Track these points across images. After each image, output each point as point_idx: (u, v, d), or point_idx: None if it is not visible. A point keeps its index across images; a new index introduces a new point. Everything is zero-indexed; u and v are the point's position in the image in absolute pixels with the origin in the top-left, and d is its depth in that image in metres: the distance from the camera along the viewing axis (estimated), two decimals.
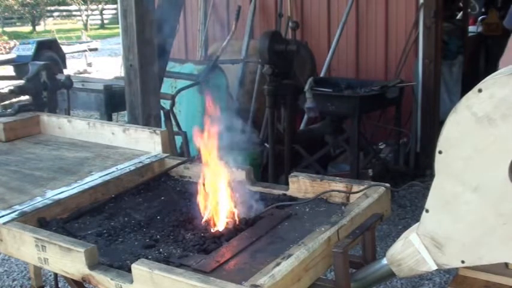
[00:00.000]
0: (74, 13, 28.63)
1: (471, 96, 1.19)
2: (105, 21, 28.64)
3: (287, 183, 1.96)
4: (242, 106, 5.51)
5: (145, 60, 3.11)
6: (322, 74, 5.62)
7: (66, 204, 1.88)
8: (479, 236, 1.25)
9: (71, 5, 27.74)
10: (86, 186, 1.98)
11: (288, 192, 1.94)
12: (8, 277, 3.88)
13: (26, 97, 3.10)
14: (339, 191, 1.84)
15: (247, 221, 1.72)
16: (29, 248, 1.63)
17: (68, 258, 1.53)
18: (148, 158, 2.23)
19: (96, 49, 17.39)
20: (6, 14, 26.89)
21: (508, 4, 2.83)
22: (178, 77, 5.05)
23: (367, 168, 4.92)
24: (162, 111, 3.93)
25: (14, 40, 15.48)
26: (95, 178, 2.05)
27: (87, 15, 27.41)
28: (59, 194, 1.92)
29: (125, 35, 3.14)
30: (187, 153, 4.30)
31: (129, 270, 1.42)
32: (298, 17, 6.01)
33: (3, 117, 2.68)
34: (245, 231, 1.67)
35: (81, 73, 12.82)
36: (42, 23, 27.00)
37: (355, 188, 1.82)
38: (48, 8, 27.95)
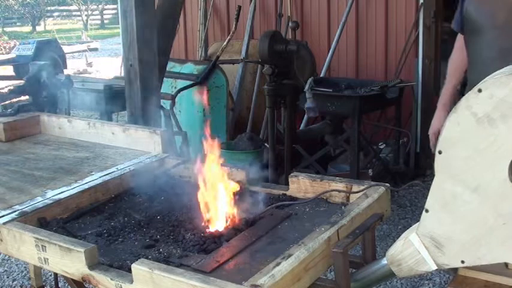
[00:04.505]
0: (74, 13, 28.62)
1: (471, 96, 1.19)
2: (105, 21, 28.64)
3: (287, 183, 1.96)
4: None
5: (145, 60, 3.11)
6: (322, 74, 5.61)
7: (66, 204, 1.88)
8: (479, 236, 1.25)
9: (71, 5, 27.74)
10: (86, 186, 1.98)
11: (288, 192, 1.94)
12: (8, 277, 3.88)
13: (26, 97, 3.10)
14: (339, 191, 1.84)
15: (247, 221, 1.72)
16: (29, 248, 1.63)
17: (68, 258, 1.53)
18: (148, 158, 2.24)
19: (96, 49, 17.42)
20: (6, 14, 26.89)
21: None
22: (178, 77, 5.05)
23: (367, 168, 4.92)
24: (162, 111, 3.93)
25: (14, 40, 15.49)
26: (95, 178, 2.05)
27: (87, 15, 27.41)
28: (59, 194, 1.92)
29: (124, 35, 3.14)
30: (187, 153, 4.30)
31: (129, 270, 1.42)
32: (298, 17, 6.01)
33: (3, 117, 2.68)
34: (245, 231, 1.67)
35: (81, 73, 12.82)
36: (42, 23, 27.00)
37: (355, 188, 1.82)
38: (48, 8, 27.95)
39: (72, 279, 2.09)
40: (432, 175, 1.29)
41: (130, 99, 3.15)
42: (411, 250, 1.38)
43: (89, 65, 14.31)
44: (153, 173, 2.14)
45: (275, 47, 4.00)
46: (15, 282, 3.81)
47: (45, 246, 1.58)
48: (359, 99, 4.53)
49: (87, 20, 26.91)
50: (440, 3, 5.23)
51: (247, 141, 4.64)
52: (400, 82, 4.88)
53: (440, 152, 1.26)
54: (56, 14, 28.70)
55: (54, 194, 1.92)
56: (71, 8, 28.21)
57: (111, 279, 1.45)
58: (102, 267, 1.50)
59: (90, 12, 27.83)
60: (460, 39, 2.85)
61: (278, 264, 1.35)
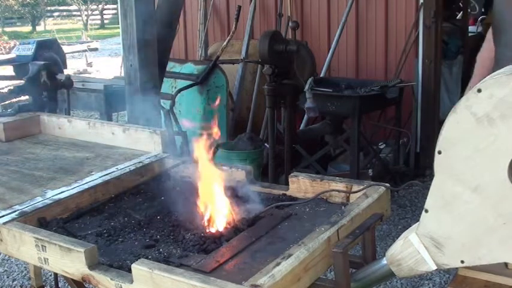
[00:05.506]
0: (74, 13, 28.63)
1: (471, 96, 1.19)
2: (105, 21, 28.65)
3: (287, 183, 1.96)
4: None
5: (145, 60, 3.11)
6: (322, 74, 5.62)
7: (66, 204, 1.88)
8: (478, 236, 1.25)
9: (71, 5, 27.74)
10: (86, 186, 1.98)
11: (288, 192, 1.94)
12: (8, 277, 3.88)
13: (26, 97, 3.10)
14: (339, 191, 1.84)
15: (247, 221, 1.72)
16: (29, 248, 1.63)
17: (68, 258, 1.53)
18: (148, 158, 2.24)
19: (96, 49, 17.43)
20: (6, 14, 26.89)
21: None
22: (178, 77, 5.05)
23: (367, 168, 4.92)
24: (162, 111, 3.93)
25: (14, 40, 15.49)
26: (95, 178, 2.05)
27: (87, 15, 27.41)
28: (59, 194, 1.92)
29: (125, 35, 3.14)
30: (187, 153, 4.30)
31: (129, 270, 1.42)
32: (298, 17, 6.01)
33: (3, 117, 2.68)
34: (245, 231, 1.67)
35: (81, 73, 12.82)
36: (42, 23, 27.00)
37: (355, 188, 1.82)
38: (48, 8, 27.95)
39: (72, 279, 2.09)
40: (432, 175, 1.29)
41: (130, 99, 3.16)
42: (411, 250, 1.38)
43: (89, 65, 14.31)
44: (153, 172, 2.15)
45: (275, 47, 4.00)
46: (15, 282, 3.81)
47: (45, 246, 1.58)
48: (359, 99, 4.53)
49: (87, 20, 26.91)
50: (440, 3, 5.23)
51: (247, 141, 4.64)
52: (400, 82, 4.88)
53: (440, 152, 1.25)
54: (56, 14, 28.70)
55: (54, 194, 1.92)
56: (71, 8, 28.21)
57: (111, 279, 1.45)
58: (102, 267, 1.50)
59: (90, 12, 27.83)
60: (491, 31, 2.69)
61: (278, 264, 1.35)
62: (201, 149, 1.82)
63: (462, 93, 2.90)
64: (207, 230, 1.69)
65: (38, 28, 26.49)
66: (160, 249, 1.61)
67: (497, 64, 2.63)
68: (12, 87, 3.10)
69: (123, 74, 3.57)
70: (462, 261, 1.30)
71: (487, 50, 2.73)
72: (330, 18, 5.89)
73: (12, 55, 11.81)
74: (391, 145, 5.34)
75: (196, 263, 1.49)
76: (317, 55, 5.40)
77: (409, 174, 5.13)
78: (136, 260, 1.44)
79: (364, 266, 1.56)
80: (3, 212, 1.77)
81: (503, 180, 1.19)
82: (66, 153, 2.40)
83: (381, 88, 4.70)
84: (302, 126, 5.44)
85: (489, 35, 2.72)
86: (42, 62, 3.15)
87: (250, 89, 5.66)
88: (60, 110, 3.21)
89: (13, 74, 10.55)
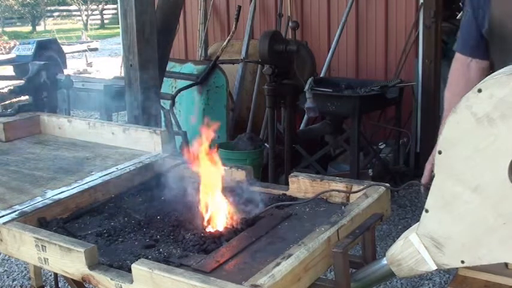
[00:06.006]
0: (74, 13, 28.64)
1: (471, 96, 1.19)
2: (105, 21, 28.65)
3: (287, 183, 1.96)
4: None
5: (145, 60, 3.11)
6: (322, 74, 5.62)
7: (66, 204, 1.88)
8: (479, 236, 1.25)
9: (71, 5, 27.75)
10: (86, 186, 1.98)
11: (288, 192, 1.94)
12: (8, 277, 3.88)
13: (26, 97, 3.11)
14: (338, 191, 1.84)
15: (247, 221, 1.72)
16: (29, 248, 1.63)
17: (68, 258, 1.53)
18: (148, 158, 2.24)
19: (96, 49, 17.44)
20: (6, 14, 26.89)
21: None
22: (178, 77, 5.05)
23: (367, 168, 4.92)
24: (162, 111, 3.93)
25: (14, 40, 15.49)
26: (95, 178, 2.05)
27: (87, 15, 27.41)
28: (59, 194, 1.92)
29: (124, 35, 3.14)
30: (187, 153, 4.30)
31: (129, 270, 1.42)
32: (298, 17, 6.01)
33: (3, 117, 2.68)
34: (245, 231, 1.67)
35: (81, 73, 12.83)
36: (42, 23, 27.01)
37: (355, 188, 1.82)
38: (48, 8, 27.96)
39: (72, 279, 2.09)
40: (432, 175, 1.29)
41: (130, 99, 3.16)
42: (411, 250, 1.38)
43: (89, 65, 14.32)
44: (153, 172, 2.14)
45: (275, 47, 4.00)
46: (15, 282, 3.81)
47: (45, 246, 1.58)
48: (359, 99, 4.53)
49: (87, 20, 26.91)
50: (440, 3, 5.23)
51: (247, 141, 4.64)
52: (400, 82, 4.88)
53: (440, 152, 1.25)
54: (56, 14, 28.70)
55: (54, 194, 1.92)
56: (71, 8, 28.22)
57: (111, 279, 1.45)
58: (102, 267, 1.50)
59: (90, 12, 27.83)
60: (460, 66, 2.38)
61: (278, 264, 1.35)
62: (201, 148, 1.82)
63: None
64: (207, 230, 1.69)
65: (38, 28, 26.49)
66: (160, 249, 1.61)
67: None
68: (12, 87, 3.10)
69: (123, 74, 3.57)
70: (462, 261, 1.30)
71: (461, 78, 2.35)
72: (330, 18, 5.89)
73: (12, 55, 11.82)
74: (391, 145, 5.34)
75: (196, 263, 1.49)
76: (317, 55, 5.39)
77: (409, 174, 5.13)
78: (136, 260, 1.44)
79: (364, 266, 1.56)
80: (3, 212, 1.77)
81: (503, 180, 1.19)
82: (66, 153, 2.40)
83: (381, 88, 4.70)
84: (302, 126, 5.44)
85: (460, 66, 2.39)
86: (42, 62, 3.16)
87: (250, 89, 5.66)
88: (60, 110, 3.21)
89: (13, 74, 10.55)
